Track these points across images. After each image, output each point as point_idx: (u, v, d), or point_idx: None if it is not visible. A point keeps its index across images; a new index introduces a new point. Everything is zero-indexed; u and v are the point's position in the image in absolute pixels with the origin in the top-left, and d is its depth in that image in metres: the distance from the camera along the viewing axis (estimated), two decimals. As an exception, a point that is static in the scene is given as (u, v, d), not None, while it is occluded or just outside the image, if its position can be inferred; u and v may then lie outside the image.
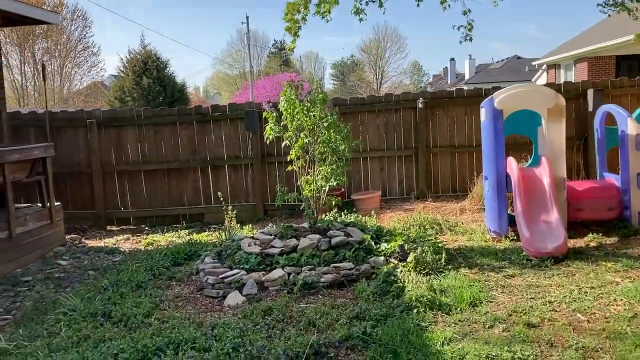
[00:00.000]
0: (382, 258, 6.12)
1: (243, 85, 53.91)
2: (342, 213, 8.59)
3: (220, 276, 6.00)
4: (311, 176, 7.05)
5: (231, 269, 6.26)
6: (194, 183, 10.34)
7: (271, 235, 6.93)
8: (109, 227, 10.48)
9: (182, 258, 7.54)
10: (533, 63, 29.22)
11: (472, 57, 62.90)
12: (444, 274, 5.93)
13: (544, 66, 39.32)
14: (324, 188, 6.83)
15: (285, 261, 6.09)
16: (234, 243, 6.98)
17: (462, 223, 8.41)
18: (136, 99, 33.24)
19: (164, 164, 10.28)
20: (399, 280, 5.65)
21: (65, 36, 36.83)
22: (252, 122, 9.93)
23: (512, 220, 7.33)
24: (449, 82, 61.84)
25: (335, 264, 6.01)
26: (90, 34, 46.64)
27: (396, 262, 6.16)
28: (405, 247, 6.33)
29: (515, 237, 7.27)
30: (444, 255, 6.25)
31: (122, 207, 10.44)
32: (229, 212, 8.98)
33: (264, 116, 7.11)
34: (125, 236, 9.64)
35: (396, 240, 6.55)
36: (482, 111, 7.44)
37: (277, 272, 5.87)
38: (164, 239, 9.17)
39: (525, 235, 6.36)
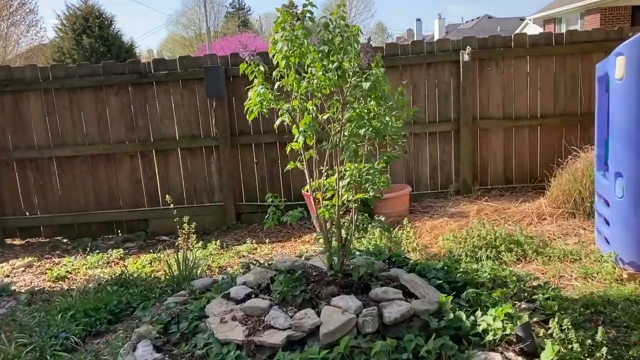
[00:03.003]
0: (497, 358, 3.02)
1: (199, 47, 49.73)
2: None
3: (166, 408, 2.85)
4: (328, 179, 3.91)
5: (188, 375, 3.12)
6: (133, 175, 7.04)
7: (260, 290, 3.80)
8: (8, 241, 7.15)
9: (104, 320, 4.38)
10: (528, 18, 26.27)
11: (442, 17, 60.15)
12: (620, 387, 2.93)
13: (526, 22, 36.55)
14: (354, 203, 3.69)
15: (301, 368, 2.96)
16: (194, 306, 3.81)
17: (551, 239, 5.43)
18: (77, 61, 29.05)
19: (87, 148, 6.94)
20: None
21: (-4, -9, 32.27)
22: (215, 85, 6.66)
23: None
24: (417, 44, 58.75)
25: (404, 375, 2.92)
26: (24, -12, 41.77)
27: (517, 358, 3.10)
28: (530, 323, 3.27)
29: (671, 275, 4.33)
30: (600, 336, 3.23)
31: (27, 212, 7.09)
32: (186, 224, 5.76)
33: (241, 71, 3.87)
34: (28, 260, 6.33)
35: (499, 305, 3.47)
36: (619, 62, 4.35)
37: (288, 406, 2.75)
38: (84, 266, 5.91)
39: None
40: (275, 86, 3.71)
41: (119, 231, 7.06)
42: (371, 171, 3.44)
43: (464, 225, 5.82)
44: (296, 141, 3.76)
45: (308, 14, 3.70)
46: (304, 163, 3.89)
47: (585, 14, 19.89)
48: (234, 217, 7.05)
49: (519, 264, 4.96)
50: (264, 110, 3.56)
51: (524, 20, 43.50)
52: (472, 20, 61.36)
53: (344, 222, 3.95)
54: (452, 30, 57.94)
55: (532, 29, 37.04)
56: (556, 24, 23.19)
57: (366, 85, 3.35)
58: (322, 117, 3.66)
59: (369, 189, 3.44)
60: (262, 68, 3.75)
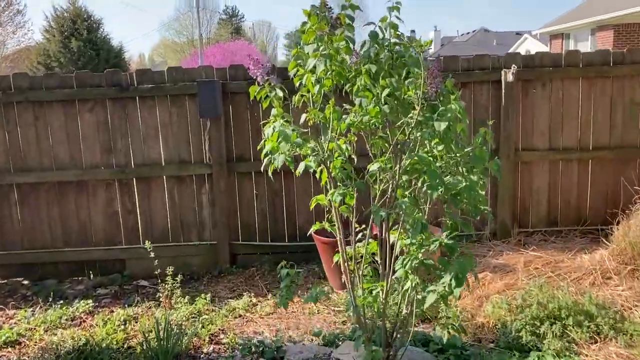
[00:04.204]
0: None
1: (191, 53, 48.61)
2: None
3: None
4: (368, 246, 2.83)
5: None
6: (108, 206, 5.90)
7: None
8: (-42, 282, 5.97)
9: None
10: (534, 32, 25.44)
11: (438, 29, 59.88)
12: None
13: (524, 36, 35.91)
14: (419, 292, 2.59)
15: None
16: None
17: (626, 308, 4.36)
18: (64, 65, 28.06)
19: (54, 173, 5.79)
20: None
21: (-19, -9, 31.14)
22: (210, 102, 5.56)
23: None
24: (412, 56, 58.24)
25: None
26: (11, -13, 40.63)
27: None
28: None
29: None
30: None
31: (-19, 248, 5.94)
32: (169, 277, 4.66)
33: (252, 96, 2.78)
34: (-25, 311, 5.18)
35: None
36: None
37: None
38: (42, 325, 4.76)
39: None
40: (302, 119, 2.62)
41: (91, 273, 5.89)
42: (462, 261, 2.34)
43: (512, 285, 4.76)
44: (327, 195, 2.67)
45: (347, 20, 2.63)
46: (336, 223, 2.79)
47: (597, 30, 19.03)
48: (227, 259, 5.92)
49: (593, 345, 3.89)
50: (289, 158, 2.47)
51: (521, 35, 43.00)
52: (468, 33, 60.91)
53: (390, 307, 2.86)
54: (448, 43, 57.38)
55: (531, 44, 36.39)
56: (564, 40, 22.32)
57: (441, 125, 2.27)
58: (369, 168, 2.57)
59: (450, 282, 2.33)
60: (280, 93, 2.67)
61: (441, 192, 2.34)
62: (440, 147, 2.51)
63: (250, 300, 5.06)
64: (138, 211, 5.91)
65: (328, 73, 2.41)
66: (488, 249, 5.61)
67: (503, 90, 5.68)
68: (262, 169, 2.59)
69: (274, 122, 2.54)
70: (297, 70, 2.56)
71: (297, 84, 2.69)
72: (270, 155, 2.48)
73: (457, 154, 2.52)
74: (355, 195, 2.61)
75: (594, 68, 5.77)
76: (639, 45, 17.39)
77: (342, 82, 2.52)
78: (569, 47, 21.64)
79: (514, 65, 5.58)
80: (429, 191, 2.33)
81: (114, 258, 5.95)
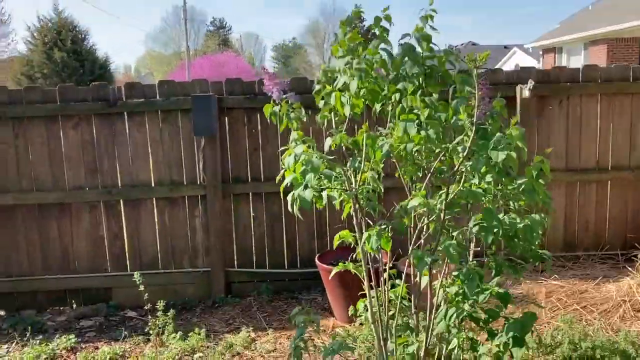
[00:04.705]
0: None
1: (178, 65, 48.13)
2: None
3: None
4: (395, 289, 2.43)
5: None
6: (93, 231, 5.44)
7: None
8: None
9: None
10: (526, 46, 25.35)
11: (426, 43, 60.08)
12: None
13: (513, 49, 36.02)
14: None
15: None
16: None
17: (663, 346, 4.00)
18: (47, 76, 27.45)
19: (34, 195, 5.33)
20: None
21: (-34, 2, 30.65)
22: (206, 119, 5.15)
23: None
24: (399, 70, 59.03)
25: None
26: (-5, -1, 40.01)
27: None
28: None
29: None
30: None
31: (-47, 275, 5.44)
32: (160, 313, 4.21)
33: (268, 117, 2.38)
34: (-57, 347, 4.68)
35: None
36: None
37: None
38: (17, 366, 4.29)
39: None
40: (326, 146, 2.22)
41: (74, 302, 5.43)
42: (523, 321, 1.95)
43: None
44: (363, 240, 2.26)
45: (379, 30, 2.24)
46: (364, 266, 2.39)
47: (590, 44, 18.92)
48: (222, 287, 5.47)
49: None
50: (316, 193, 2.07)
51: (510, 49, 43.11)
52: (456, 46, 61.18)
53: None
54: (435, 57, 57.53)
55: (521, 57, 36.43)
56: (556, 53, 22.22)
57: (499, 156, 1.89)
58: (407, 204, 2.18)
59: (507, 341, 1.95)
60: (301, 115, 2.27)
61: (497, 232, 1.95)
62: (488, 178, 2.13)
63: (249, 335, 4.62)
64: (125, 236, 5.46)
65: (362, 91, 2.03)
66: (504, 277, 5.22)
67: (518, 107, 5.33)
68: (289, 207, 2.16)
69: (294, 147, 2.14)
70: (323, 87, 2.18)
71: (319, 103, 2.30)
72: (294, 191, 2.07)
73: (508, 187, 2.14)
74: (390, 235, 2.23)
75: (613, 84, 5.45)
76: (632, 61, 17.29)
77: (375, 101, 2.14)
78: (561, 62, 21.54)
79: (531, 80, 5.23)
80: (482, 233, 1.94)
81: (98, 286, 5.48)
